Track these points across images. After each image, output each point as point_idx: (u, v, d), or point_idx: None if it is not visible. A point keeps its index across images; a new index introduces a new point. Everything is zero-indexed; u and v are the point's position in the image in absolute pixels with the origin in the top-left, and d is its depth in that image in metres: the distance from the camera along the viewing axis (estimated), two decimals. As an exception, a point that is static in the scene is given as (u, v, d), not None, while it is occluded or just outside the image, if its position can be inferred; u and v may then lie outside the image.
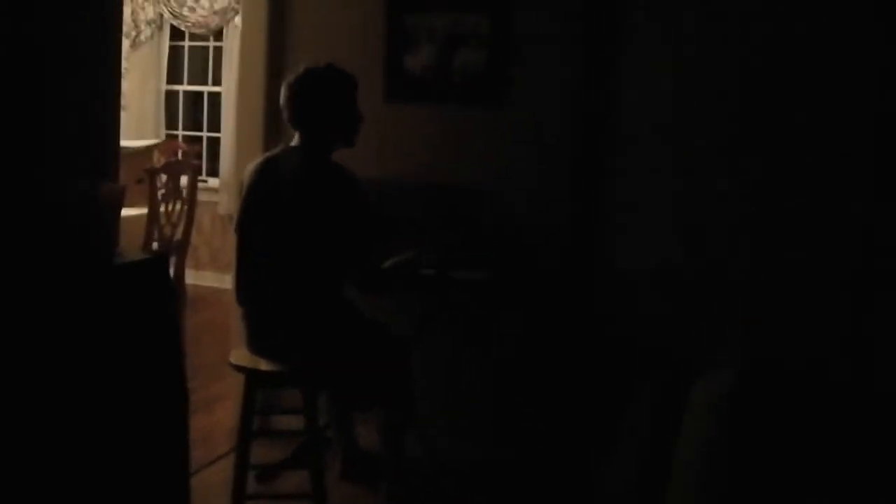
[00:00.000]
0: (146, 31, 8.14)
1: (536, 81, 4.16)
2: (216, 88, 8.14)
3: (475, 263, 3.99)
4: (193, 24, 7.91)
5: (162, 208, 5.87)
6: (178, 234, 6.11)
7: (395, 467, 3.77)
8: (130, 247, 4.44)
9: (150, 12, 8.12)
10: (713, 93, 3.92)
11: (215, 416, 4.78)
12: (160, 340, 2.79)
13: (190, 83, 8.43)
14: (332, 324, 3.60)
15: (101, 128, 3.17)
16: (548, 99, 4.14)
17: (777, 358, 3.79)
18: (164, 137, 8.18)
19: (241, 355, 3.66)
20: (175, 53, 8.41)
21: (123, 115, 6.10)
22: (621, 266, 4.07)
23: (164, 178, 5.92)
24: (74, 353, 2.48)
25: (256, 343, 3.63)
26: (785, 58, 3.82)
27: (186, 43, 8.38)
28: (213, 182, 7.97)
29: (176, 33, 8.28)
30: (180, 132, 8.42)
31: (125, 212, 3.47)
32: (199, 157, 7.89)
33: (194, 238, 6.80)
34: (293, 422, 3.92)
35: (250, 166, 3.72)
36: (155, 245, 5.79)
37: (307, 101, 3.61)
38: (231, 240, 3.76)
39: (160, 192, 5.84)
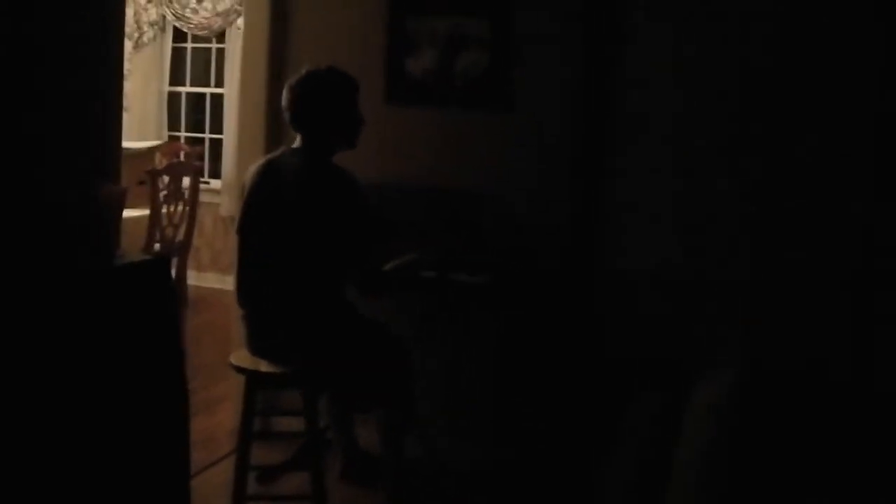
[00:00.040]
0: (149, 33, 8.15)
1: (538, 84, 4.16)
2: (219, 90, 8.15)
3: (476, 266, 3.99)
4: (196, 26, 7.92)
5: (164, 210, 5.89)
6: (180, 236, 6.12)
7: (395, 468, 3.78)
8: (132, 248, 4.45)
9: (153, 14, 8.13)
10: (713, 93, 3.93)
11: (216, 417, 4.78)
12: (160, 342, 2.79)
13: (192, 85, 8.44)
14: (332, 325, 3.61)
15: (103, 129, 3.16)
16: (549, 101, 4.14)
17: (777, 358, 3.80)
18: (166, 139, 8.19)
19: (241, 356, 3.67)
20: (178, 55, 8.42)
21: (125, 117, 6.11)
22: (621, 266, 4.07)
23: (166, 179, 5.93)
24: (74, 355, 2.48)
25: (256, 344, 3.64)
26: (785, 58, 3.82)
27: (189, 45, 8.39)
28: (215, 184, 7.98)
29: (179, 35, 8.29)
30: (183, 134, 8.42)
31: (127, 213, 3.49)
32: (201, 158, 7.89)
33: (196, 239, 6.82)
34: (294, 423, 3.92)
35: (252, 168, 3.72)
36: (157, 246, 5.80)
37: (309, 103, 3.62)
38: (232, 241, 3.76)
39: (162, 194, 5.86)
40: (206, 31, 7.93)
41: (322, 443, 3.87)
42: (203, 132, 8.39)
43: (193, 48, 8.40)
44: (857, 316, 3.74)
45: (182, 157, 7.42)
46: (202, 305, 6.98)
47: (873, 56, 3.68)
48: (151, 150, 6.96)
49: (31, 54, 2.77)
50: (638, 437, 2.74)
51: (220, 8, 7.75)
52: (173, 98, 8.42)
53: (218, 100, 8.16)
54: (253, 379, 3.59)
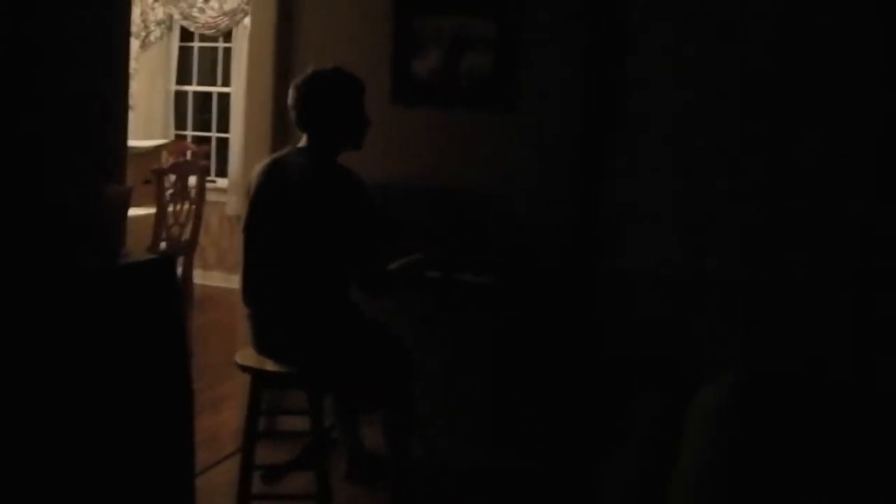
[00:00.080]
0: (156, 32, 8.16)
1: (543, 84, 4.16)
2: (225, 89, 8.16)
3: (480, 266, 3.99)
4: (203, 26, 7.93)
5: (170, 208, 5.88)
6: (186, 235, 6.10)
7: (398, 468, 3.78)
8: (138, 247, 4.45)
9: (159, 13, 8.14)
10: (713, 93, 3.93)
11: (221, 416, 4.79)
12: (166, 341, 2.79)
13: (199, 84, 8.45)
14: (335, 325, 3.61)
15: (109, 128, 3.17)
16: (554, 102, 4.14)
17: (777, 358, 3.79)
18: (172, 138, 8.20)
19: (247, 355, 3.67)
20: (184, 54, 8.43)
21: (132, 116, 6.11)
22: (621, 266, 4.07)
23: (172, 178, 5.92)
24: (79, 354, 2.49)
25: (262, 343, 3.64)
26: (785, 58, 3.82)
27: (196, 44, 8.40)
28: (221, 183, 7.99)
29: (185, 34, 8.31)
30: (189, 133, 8.44)
31: (133, 211, 3.49)
32: (208, 157, 7.91)
33: (202, 238, 6.81)
34: (299, 422, 3.92)
35: (257, 167, 3.73)
36: (163, 245, 5.80)
37: (314, 103, 3.62)
38: (238, 240, 3.76)
39: (168, 193, 5.85)
40: (212, 31, 7.94)
41: (327, 442, 3.87)
42: (209, 131, 8.41)
43: (200, 47, 8.41)
44: (857, 316, 3.73)
45: (188, 156, 7.42)
46: (208, 304, 6.99)
47: (873, 56, 3.68)
48: (158, 148, 6.95)
49: (31, 54, 2.77)
50: (638, 437, 2.74)
51: (226, 7, 7.76)
52: (180, 97, 8.43)
53: (224, 99, 8.17)
54: (258, 378, 3.60)
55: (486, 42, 4.25)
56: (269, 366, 3.59)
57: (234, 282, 6.76)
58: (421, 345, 4.06)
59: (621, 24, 4.03)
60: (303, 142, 3.67)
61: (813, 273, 3.80)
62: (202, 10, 7.87)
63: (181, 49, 8.39)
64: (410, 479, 3.87)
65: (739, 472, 2.20)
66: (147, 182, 5.91)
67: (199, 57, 8.45)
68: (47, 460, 2.42)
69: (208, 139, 8.36)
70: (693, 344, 3.93)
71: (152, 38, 8.15)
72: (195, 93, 8.45)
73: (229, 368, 3.99)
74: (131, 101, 6.25)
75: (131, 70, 6.38)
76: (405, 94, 4.40)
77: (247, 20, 6.87)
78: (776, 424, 2.33)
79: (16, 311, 2.36)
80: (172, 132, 8.35)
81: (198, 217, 6.22)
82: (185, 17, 7.97)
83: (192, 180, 6.16)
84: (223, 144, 8.18)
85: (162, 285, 2.81)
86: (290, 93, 3.67)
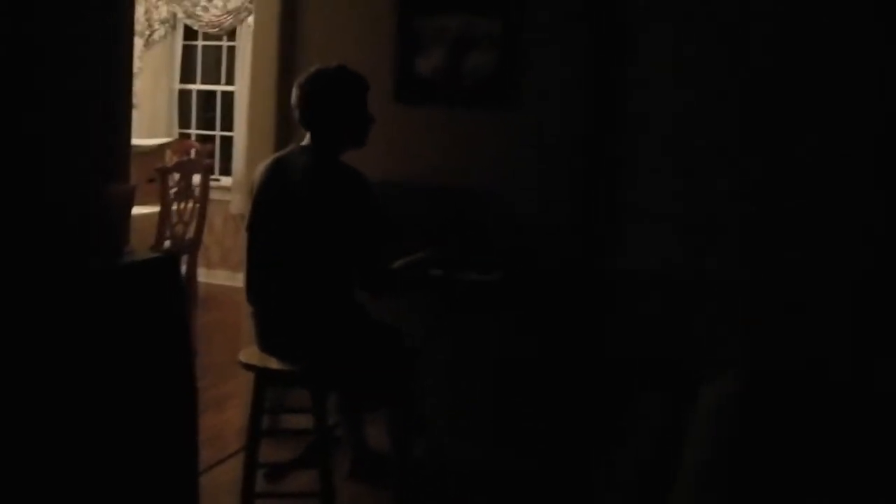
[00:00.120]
0: (160, 31, 8.17)
1: (543, 84, 4.16)
2: (229, 88, 8.17)
3: (484, 266, 3.99)
4: (207, 24, 7.94)
5: (174, 207, 5.89)
6: (190, 233, 6.12)
7: (401, 467, 3.78)
8: (142, 245, 4.46)
9: (163, 11, 8.15)
10: (713, 93, 3.93)
11: (225, 415, 4.80)
12: (169, 339, 2.80)
13: (203, 82, 8.47)
14: (339, 323, 3.62)
15: (112, 127, 3.17)
16: (554, 102, 4.14)
17: (777, 358, 3.80)
18: (176, 136, 8.22)
19: (250, 354, 3.68)
20: (188, 53, 8.44)
21: (136, 114, 6.14)
22: (622, 266, 4.07)
23: (176, 176, 5.94)
24: (83, 353, 2.49)
25: (266, 341, 3.65)
26: (785, 58, 3.82)
27: (200, 42, 8.41)
28: (225, 181, 8.00)
29: (189, 33, 8.32)
30: (193, 131, 8.45)
31: (137, 210, 3.50)
32: (212, 156, 7.91)
33: (206, 237, 6.82)
34: (302, 421, 3.92)
35: (260, 166, 3.73)
36: (167, 244, 5.81)
37: (318, 101, 3.62)
38: (242, 239, 3.77)
39: (172, 191, 5.86)
40: (216, 29, 7.95)
41: (330, 441, 3.88)
42: (214, 129, 8.42)
43: (204, 46, 8.43)
44: (857, 316, 3.73)
45: (192, 155, 7.43)
46: (212, 303, 7.00)
47: (873, 56, 3.68)
48: (162, 147, 6.97)
49: (31, 54, 2.77)
50: (638, 437, 2.74)
51: (230, 6, 7.77)
52: (184, 95, 8.45)
53: (228, 97, 8.18)
54: (262, 376, 3.60)
55: (490, 40, 4.24)
56: (273, 364, 3.59)
57: (238, 280, 6.81)
58: (425, 344, 4.06)
59: (621, 24, 4.03)
60: (306, 140, 3.68)
61: (813, 273, 3.79)
62: (206, 9, 7.88)
63: (185, 47, 8.40)
64: (413, 478, 3.88)
65: (739, 472, 2.20)
66: (151, 180, 5.93)
67: (202, 55, 8.46)
68: (52, 459, 2.42)
69: (212, 138, 8.37)
70: (693, 344, 3.93)
71: (156, 36, 8.16)
72: (199, 91, 8.46)
73: (233, 367, 3.99)
74: (135, 100, 6.26)
75: (135, 69, 6.38)
76: (408, 93, 4.40)
77: (250, 19, 6.88)
78: (776, 424, 2.33)
79: (20, 310, 2.36)
80: (176, 131, 8.36)
81: (202, 215, 6.23)
82: (189, 16, 7.98)
83: (196, 179, 6.17)
84: (227, 143, 8.19)
85: (166, 284, 2.81)
86: (294, 91, 3.67)
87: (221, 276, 7.91)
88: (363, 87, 3.69)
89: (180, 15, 8.08)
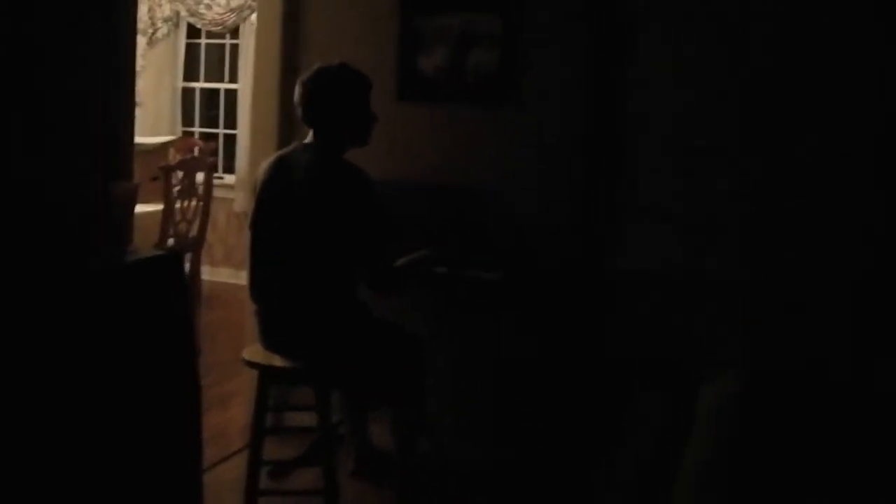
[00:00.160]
0: (163, 29, 8.18)
1: (543, 84, 4.16)
2: (232, 86, 8.18)
3: (488, 264, 4.00)
4: (210, 22, 7.95)
5: (177, 205, 5.90)
6: (194, 231, 6.12)
7: (405, 466, 3.79)
8: (145, 243, 4.47)
9: (166, 10, 8.16)
10: (713, 93, 3.93)
11: (229, 412, 4.81)
12: (173, 337, 2.81)
13: (206, 80, 8.47)
14: (343, 321, 3.62)
15: (115, 125, 3.18)
16: (554, 102, 4.14)
17: (777, 358, 3.80)
18: (180, 134, 8.23)
19: (254, 352, 3.68)
20: (191, 51, 8.45)
21: (139, 112, 6.14)
22: (622, 266, 4.08)
23: (179, 174, 5.94)
24: (87, 351, 2.50)
25: (269, 339, 3.66)
26: (785, 58, 3.82)
27: (203, 40, 8.42)
28: (229, 179, 8.01)
29: (192, 31, 8.33)
30: (196, 129, 8.46)
31: (140, 208, 3.50)
32: (215, 154, 7.93)
33: (210, 235, 6.83)
34: (306, 419, 3.94)
35: (263, 164, 3.74)
36: (170, 241, 5.82)
37: (320, 99, 3.63)
38: (246, 237, 3.78)
39: (176, 189, 5.87)
40: (219, 27, 7.96)
41: (334, 438, 3.89)
42: (217, 128, 8.43)
43: (207, 44, 8.43)
44: (857, 316, 3.74)
45: (196, 153, 7.43)
46: (216, 301, 7.01)
47: (873, 56, 3.68)
48: (165, 145, 6.97)
49: (31, 54, 2.77)
50: (638, 437, 2.75)
51: (233, 4, 7.78)
52: (187, 94, 8.46)
53: (232, 95, 8.19)
54: (266, 374, 3.61)
55: (491, 38, 4.25)
56: (277, 362, 3.60)
57: (241, 278, 6.81)
58: (429, 343, 4.07)
59: (621, 24, 4.03)
60: (309, 138, 3.68)
61: (813, 273, 3.80)
62: (209, 7, 7.89)
63: (188, 46, 8.41)
64: (417, 476, 3.88)
65: (739, 472, 2.21)
66: (154, 179, 5.94)
67: (206, 54, 8.47)
68: (56, 457, 2.43)
69: (215, 136, 8.37)
70: (693, 344, 3.94)
71: (159, 34, 8.17)
72: (202, 89, 8.47)
73: (237, 365, 4.00)
74: (138, 98, 6.25)
75: (138, 67, 6.38)
76: (410, 91, 4.40)
77: (253, 17, 6.90)
78: (776, 424, 2.33)
79: (23, 310, 2.37)
80: (180, 129, 8.38)
81: (205, 213, 6.24)
82: (192, 14, 7.99)
83: (200, 177, 6.18)
84: (230, 141, 8.20)
85: (169, 282, 2.82)
86: (297, 89, 3.68)
87: (225, 273, 7.92)
88: (366, 85, 3.70)
89: (183, 13, 8.09)
